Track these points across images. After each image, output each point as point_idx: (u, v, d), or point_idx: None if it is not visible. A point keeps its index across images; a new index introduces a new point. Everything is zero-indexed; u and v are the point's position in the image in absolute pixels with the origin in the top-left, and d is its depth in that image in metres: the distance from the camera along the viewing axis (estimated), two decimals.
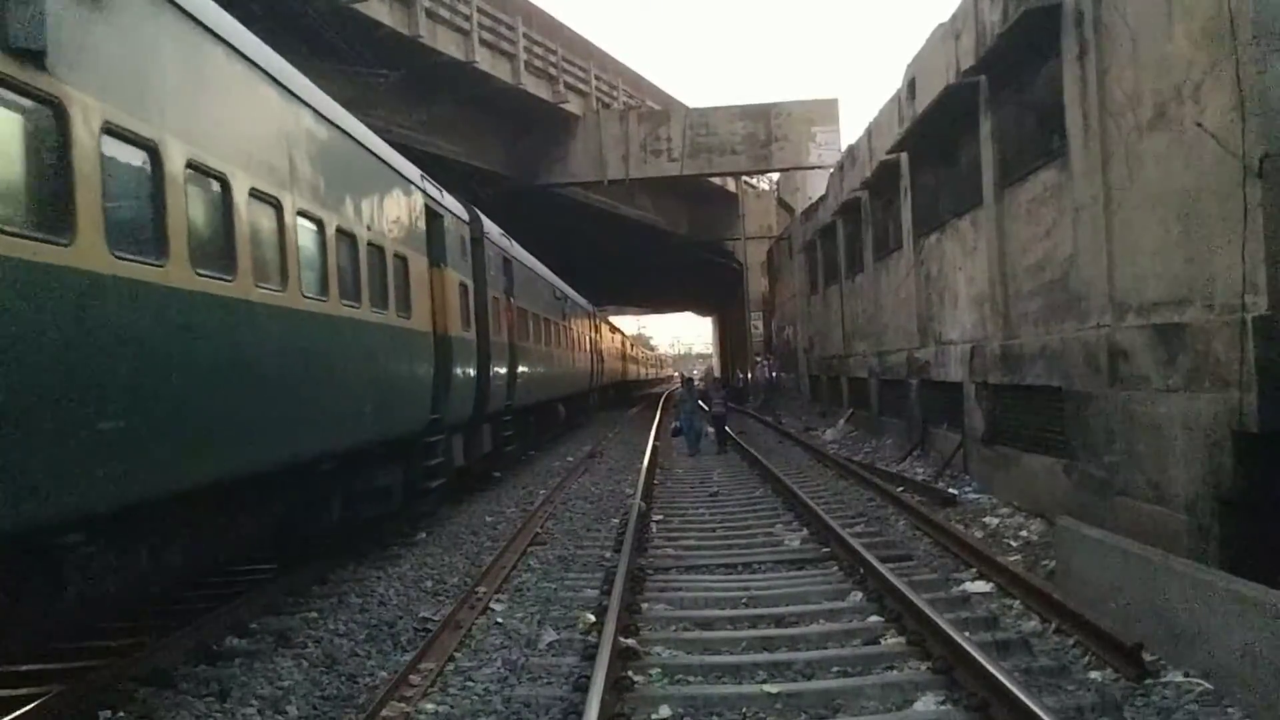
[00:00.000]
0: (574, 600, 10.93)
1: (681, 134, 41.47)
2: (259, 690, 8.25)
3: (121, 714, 7.71)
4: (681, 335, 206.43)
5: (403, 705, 7.68)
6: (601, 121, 41.13)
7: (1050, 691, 7.42)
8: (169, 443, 7.60)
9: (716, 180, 51.80)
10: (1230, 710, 6.99)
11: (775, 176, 54.73)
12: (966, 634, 8.21)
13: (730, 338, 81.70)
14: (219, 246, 8.55)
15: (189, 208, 7.91)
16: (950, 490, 16.73)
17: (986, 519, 14.49)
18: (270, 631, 10.01)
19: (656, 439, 29.24)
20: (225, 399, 8.53)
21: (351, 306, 11.72)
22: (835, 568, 12.05)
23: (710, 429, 28.30)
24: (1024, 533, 13.34)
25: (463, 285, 17.95)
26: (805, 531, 14.32)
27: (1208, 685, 7.32)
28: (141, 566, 8.20)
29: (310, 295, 10.45)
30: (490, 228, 21.43)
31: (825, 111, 42.32)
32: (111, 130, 6.83)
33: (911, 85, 21.31)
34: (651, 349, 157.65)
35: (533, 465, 25.83)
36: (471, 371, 18.13)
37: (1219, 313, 9.46)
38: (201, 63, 8.56)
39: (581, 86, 40.25)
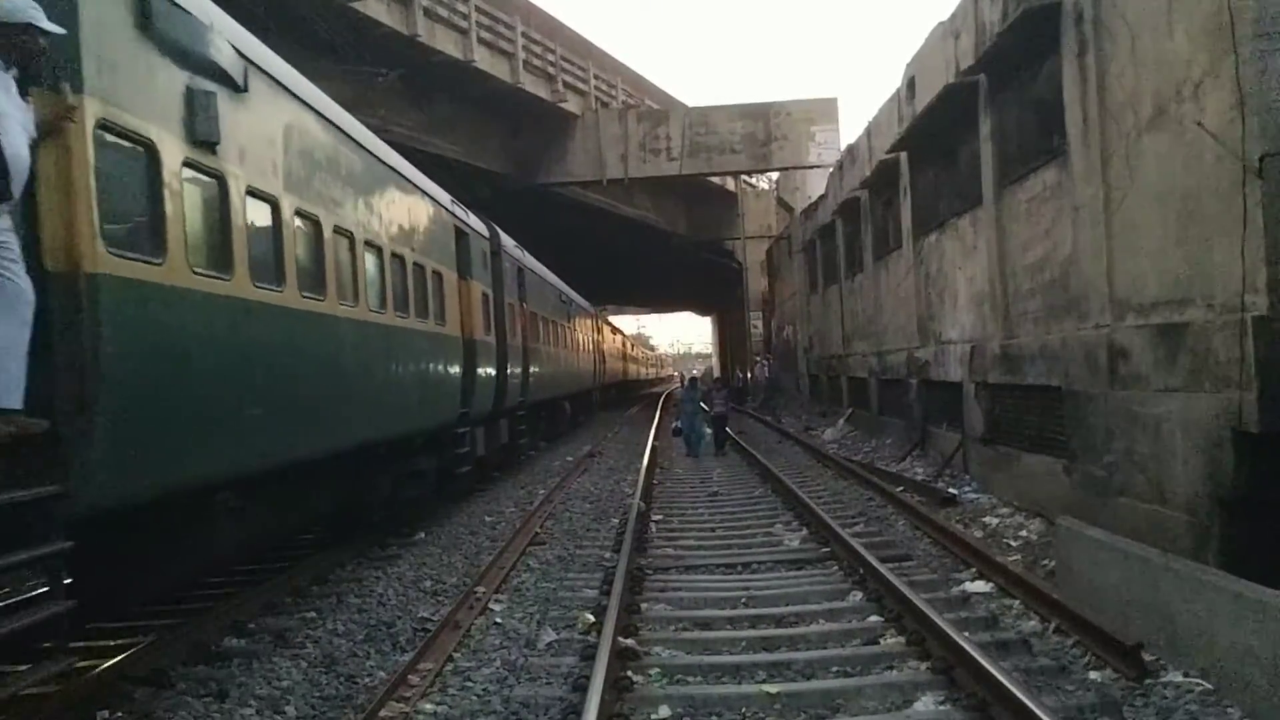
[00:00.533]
0: (573, 600, 10.91)
1: (680, 133, 41.48)
2: (257, 690, 8.25)
3: (120, 714, 7.70)
4: (681, 335, 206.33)
5: (401, 705, 7.68)
6: (600, 121, 41.13)
7: (1050, 692, 7.42)
8: (286, 426, 9.97)
9: (716, 179, 51.79)
10: (1230, 710, 6.98)
11: (774, 176, 54.73)
12: (966, 634, 8.22)
13: (730, 337, 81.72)
14: (314, 274, 10.76)
15: (296, 246, 10.21)
16: (950, 490, 16.73)
17: (986, 519, 14.48)
18: (269, 631, 10.01)
19: (656, 439, 29.25)
20: (320, 394, 10.86)
21: (402, 316, 13.98)
22: (835, 568, 12.04)
23: (709, 430, 27.29)
24: (1024, 532, 13.34)
25: (484, 294, 20.20)
26: (805, 531, 14.32)
27: (1207, 685, 7.32)
28: (265, 521, 10.76)
29: (374, 309, 12.73)
30: (506, 240, 23.53)
31: (824, 111, 42.35)
32: (251, 192, 9.20)
33: (911, 84, 21.30)
34: (651, 349, 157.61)
35: (532, 465, 25.82)
36: (492, 371, 20.29)
37: (1219, 312, 9.45)
38: (303, 133, 10.79)
39: (580, 86, 40.25)
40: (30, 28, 6.15)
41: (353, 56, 25.70)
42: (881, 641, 9.00)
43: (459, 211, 18.60)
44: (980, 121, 16.75)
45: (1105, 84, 11.90)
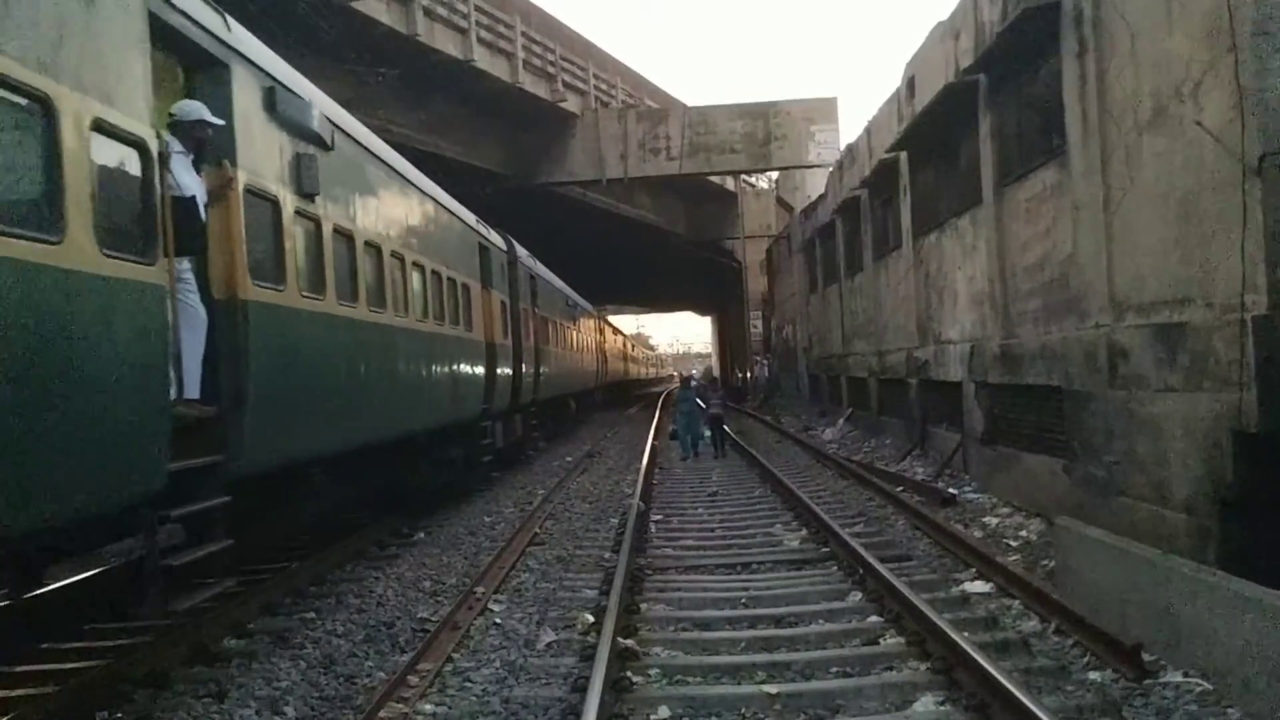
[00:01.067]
0: (573, 601, 10.92)
1: (680, 133, 41.46)
2: (256, 691, 8.24)
3: (119, 715, 7.70)
4: (680, 335, 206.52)
5: (401, 706, 7.67)
6: (600, 120, 41.11)
7: (1049, 692, 7.42)
8: (358, 416, 12.15)
9: (715, 179, 51.78)
10: (1230, 710, 6.98)
11: (774, 175, 54.73)
12: (966, 634, 8.21)
13: (729, 337, 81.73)
14: (377, 291, 13.06)
15: (365, 269, 12.61)
16: (950, 490, 16.71)
17: (986, 519, 14.48)
18: (268, 632, 10.01)
19: (655, 439, 29.24)
20: (381, 390, 13.15)
21: (439, 324, 16.40)
22: (834, 568, 12.04)
23: (707, 431, 26.41)
24: (1023, 532, 13.33)
25: (503, 302, 22.83)
26: (804, 531, 14.31)
27: (1207, 685, 7.32)
28: (337, 493, 12.86)
29: (420, 319, 15.15)
30: (520, 251, 26.23)
31: (824, 110, 42.33)
32: (336, 230, 11.53)
33: (910, 84, 21.29)
34: (651, 348, 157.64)
35: (531, 465, 25.84)
36: (509, 371, 22.85)
37: (1218, 312, 9.44)
38: (368, 176, 13.35)
39: (580, 85, 40.23)
40: (201, 122, 8.47)
41: (352, 56, 25.69)
42: (881, 642, 9.00)
43: (482, 229, 21.36)
44: (980, 121, 16.74)
45: (1105, 83, 11.89)
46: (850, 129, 66.80)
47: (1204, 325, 9.62)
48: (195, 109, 8.47)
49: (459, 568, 13.07)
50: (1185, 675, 7.54)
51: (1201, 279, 9.81)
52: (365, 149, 13.22)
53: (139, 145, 7.22)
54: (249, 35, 9.96)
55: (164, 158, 7.69)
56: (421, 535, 15.24)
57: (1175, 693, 7.33)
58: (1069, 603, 9.25)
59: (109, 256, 6.64)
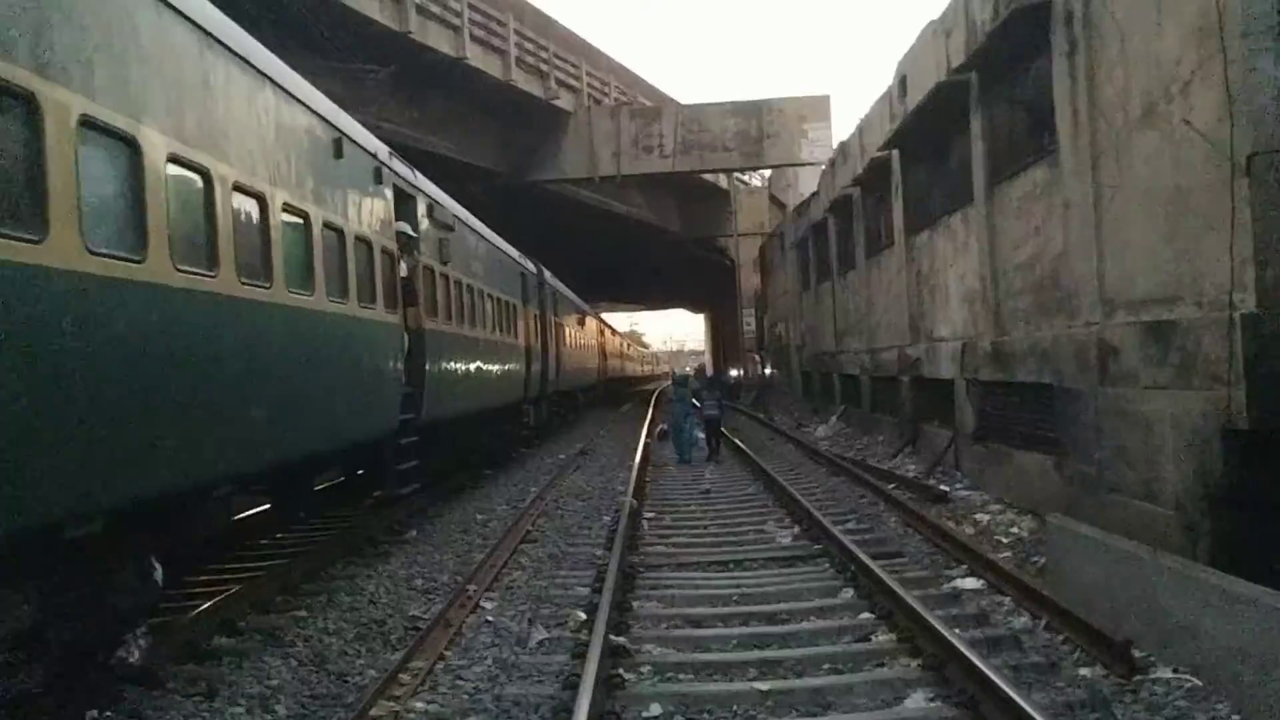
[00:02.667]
0: (565, 598, 10.92)
1: (673, 130, 41.46)
2: (247, 689, 8.20)
3: (109, 713, 7.66)
4: (674, 332, 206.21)
5: (392, 704, 7.67)
6: (593, 118, 41.08)
7: (1040, 688, 7.46)
8: (468, 394, 19.10)
9: (708, 177, 51.68)
10: (1219, 706, 7.01)
11: (767, 173, 54.72)
12: (957, 631, 8.24)
13: (722, 334, 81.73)
14: (472, 315, 19.52)
15: (468, 302, 19.20)
16: (941, 487, 16.75)
17: (977, 516, 14.50)
18: (259, 630, 9.90)
19: (648, 436, 29.23)
20: (476, 378, 19.79)
21: (500, 334, 23.08)
22: (826, 565, 12.06)
23: (701, 434, 25.28)
24: (1015, 529, 13.36)
25: (535, 314, 29.08)
26: (797, 529, 14.34)
27: (1197, 681, 7.35)
28: (463, 442, 19.84)
29: (490, 331, 21.66)
30: (546, 273, 32.72)
31: (817, 108, 42.35)
32: (456, 282, 17.99)
33: (903, 83, 21.32)
34: (644, 346, 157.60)
35: (524, 462, 25.79)
36: (539, 368, 28.99)
37: (1208, 310, 9.48)
38: (471, 244, 20.31)
39: (573, 83, 40.19)
40: (408, 234, 14.69)
41: (346, 53, 25.64)
42: (873, 638, 9.03)
43: (522, 260, 28.17)
44: (971, 120, 16.78)
45: (1095, 83, 11.93)
46: (843, 127, 66.89)
47: (1193, 323, 9.66)
48: (404, 227, 14.69)
49: (451, 565, 13.04)
50: (1175, 671, 7.57)
51: (1191, 277, 9.86)
52: (468, 226, 20.32)
53: (391, 254, 14.00)
54: (421, 176, 16.51)
55: (396, 257, 14.20)
56: (413, 533, 15.20)
57: (1165, 689, 7.36)
58: (1060, 599, 9.28)
59: (388, 311, 13.60)
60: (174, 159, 7.79)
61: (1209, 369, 9.35)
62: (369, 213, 13.06)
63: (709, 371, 53.30)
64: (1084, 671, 7.92)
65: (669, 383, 39.67)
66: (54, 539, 6.76)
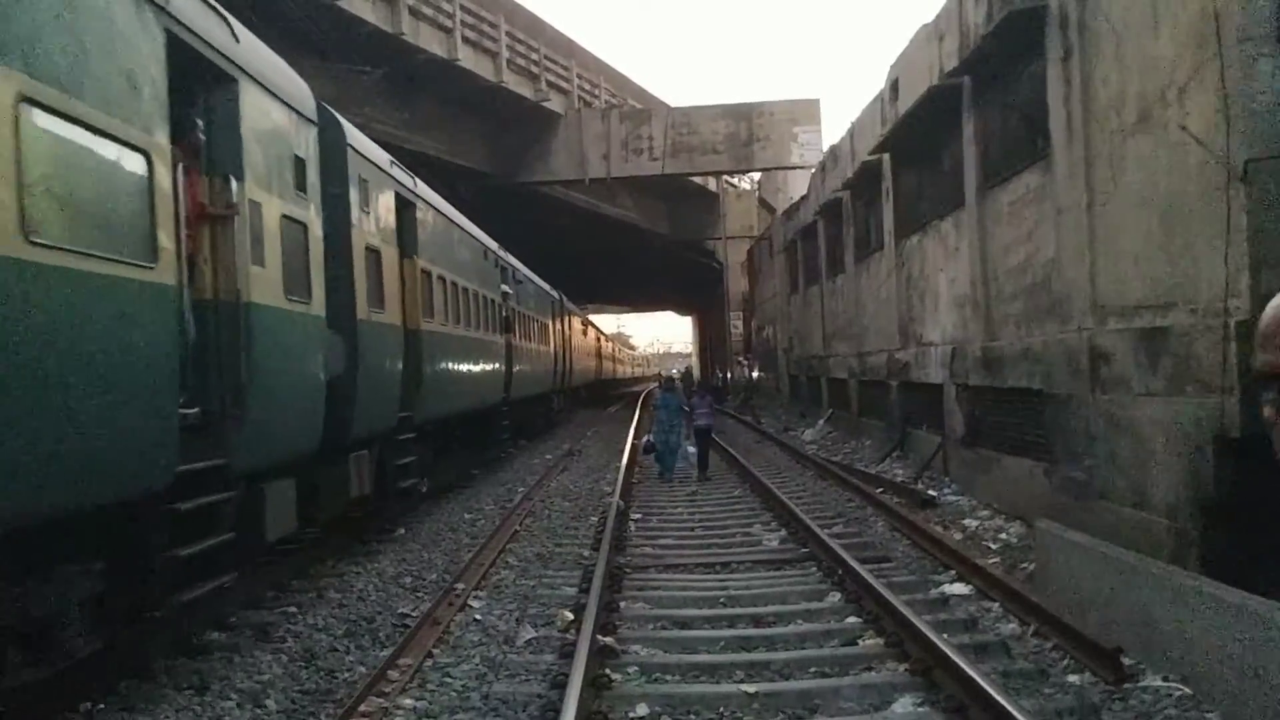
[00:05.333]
0: (552, 598, 10.90)
1: (663, 133, 41.46)
2: (238, 683, 8.24)
3: (102, 706, 7.70)
4: (661, 335, 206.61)
5: (381, 700, 7.67)
6: (583, 120, 41.07)
7: (1028, 694, 7.43)
8: (519, 386, 27.45)
9: (698, 180, 51.76)
10: (1209, 715, 7.00)
11: (757, 176, 54.76)
12: (945, 636, 8.20)
13: (710, 337, 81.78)
14: (526, 330, 30.10)
15: (520, 321, 28.53)
16: (930, 492, 16.73)
17: (966, 521, 14.49)
18: (250, 625, 9.99)
19: (636, 438, 29.18)
20: (524, 377, 28.25)
21: (535, 343, 31.73)
22: (814, 568, 12.03)
23: (692, 447, 22.47)
24: (1003, 535, 13.35)
25: (558, 329, 38.72)
26: (784, 532, 14.31)
27: (1186, 690, 7.32)
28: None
29: (530, 342, 30.27)
30: (564, 297, 42.43)
31: (807, 111, 42.36)
32: (521, 314, 28.20)
33: (894, 86, 21.30)
34: (631, 348, 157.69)
35: (512, 463, 25.77)
36: (562, 369, 39.58)
37: (1201, 316, 9.46)
38: (525, 288, 30.42)
39: (563, 85, 40.19)
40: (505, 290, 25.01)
41: (338, 54, 25.63)
42: (860, 643, 8.98)
43: (551, 290, 37.72)
44: (964, 124, 16.76)
45: (1090, 87, 11.92)
46: (833, 131, 66.90)
47: (1187, 330, 9.64)
48: (501, 289, 22.54)
49: (439, 564, 13.03)
50: (1165, 679, 7.55)
51: (1185, 283, 9.84)
52: (527, 278, 29.31)
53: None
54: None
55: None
56: (402, 531, 15.18)
57: (1154, 696, 7.33)
58: (1049, 605, 9.26)
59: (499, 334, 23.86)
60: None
61: (1202, 376, 9.33)
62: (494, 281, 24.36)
63: (696, 374, 53.22)
64: (1073, 678, 7.89)
65: (655, 385, 39.42)
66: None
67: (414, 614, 10.38)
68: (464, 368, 19.83)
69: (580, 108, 41.67)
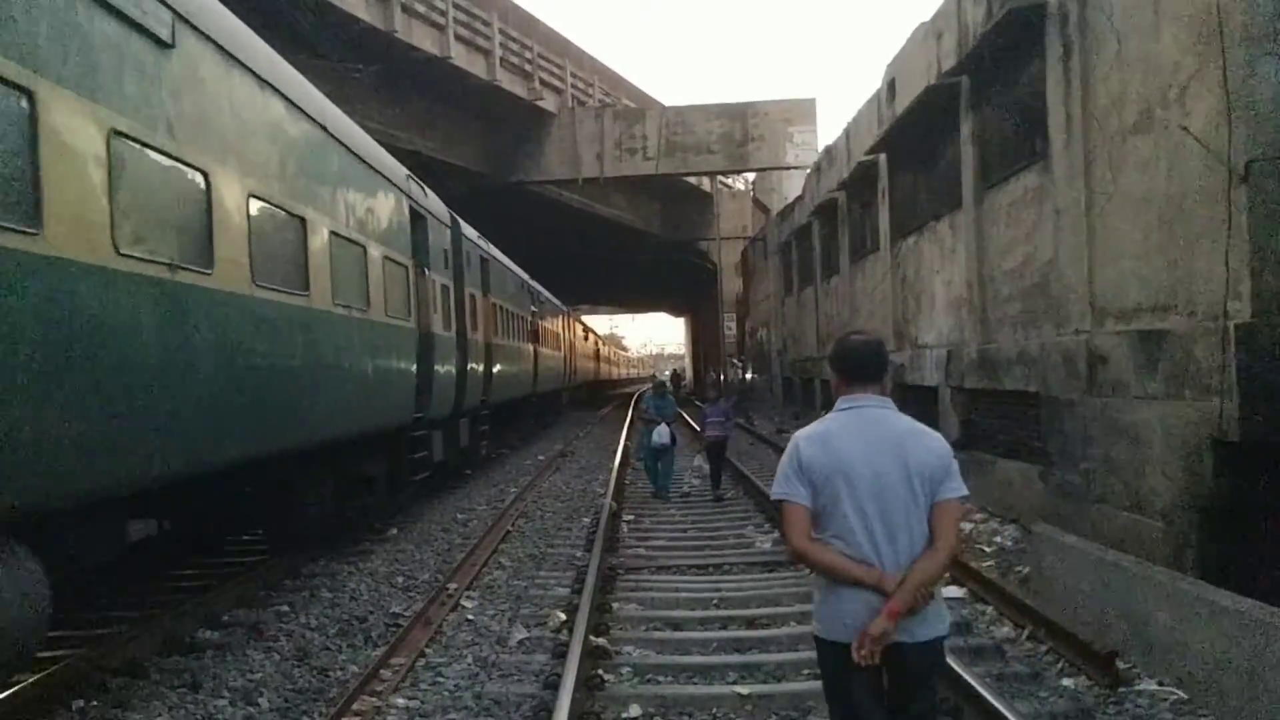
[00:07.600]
0: (545, 598, 10.90)
1: (657, 133, 41.36)
2: (231, 682, 8.25)
3: (94, 704, 7.70)
4: (654, 336, 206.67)
5: (373, 699, 7.65)
6: (577, 119, 40.96)
7: (1023, 698, 7.40)
8: (542, 381, 35.91)
9: (691, 180, 51.69)
10: (1204, 719, 6.95)
11: (751, 176, 54.71)
12: None
13: (703, 339, 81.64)
14: (552, 340, 40.34)
15: (544, 336, 36.96)
16: None
17: (960, 524, 14.40)
18: (242, 624, 10.01)
19: (628, 439, 29.15)
20: (547, 376, 37.76)
21: (552, 350, 39.30)
22: (807, 570, 11.95)
23: (705, 465, 19.63)
24: (998, 538, 13.31)
25: (566, 337, 44.93)
26: (777, 534, 14.25)
27: (1182, 694, 7.30)
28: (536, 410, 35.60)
29: (550, 350, 38.40)
30: (575, 314, 52.91)
31: (802, 111, 42.27)
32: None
33: (891, 86, 21.26)
34: (624, 350, 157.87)
35: (504, 463, 25.73)
36: (569, 369, 46.80)
37: (1201, 319, 9.41)
38: (549, 307, 41.40)
39: (557, 83, 40.09)
40: (533, 309, 34.07)
41: (331, 51, 25.55)
42: None
43: (564, 307, 45.41)
44: (961, 123, 16.71)
45: (1089, 87, 11.87)
46: (829, 131, 66.91)
47: (1186, 333, 9.59)
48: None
49: (432, 564, 13.01)
50: (1160, 683, 7.53)
51: (1184, 286, 9.79)
52: (548, 301, 36.97)
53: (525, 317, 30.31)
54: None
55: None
56: (394, 531, 15.17)
57: (1150, 701, 7.31)
58: (1044, 609, 9.22)
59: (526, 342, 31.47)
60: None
61: (1201, 379, 9.27)
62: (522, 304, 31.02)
63: (687, 376, 53.29)
64: (1068, 682, 7.87)
65: (646, 387, 35.20)
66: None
67: (406, 613, 10.37)
68: (513, 368, 28.20)
69: (574, 107, 41.56)
